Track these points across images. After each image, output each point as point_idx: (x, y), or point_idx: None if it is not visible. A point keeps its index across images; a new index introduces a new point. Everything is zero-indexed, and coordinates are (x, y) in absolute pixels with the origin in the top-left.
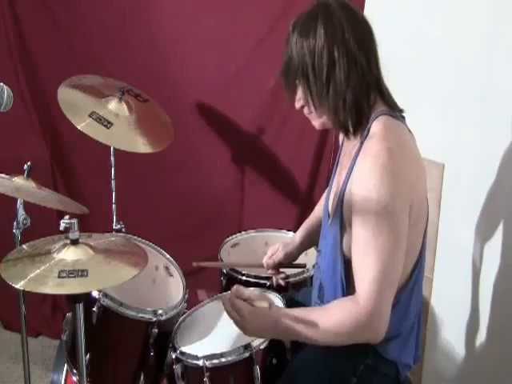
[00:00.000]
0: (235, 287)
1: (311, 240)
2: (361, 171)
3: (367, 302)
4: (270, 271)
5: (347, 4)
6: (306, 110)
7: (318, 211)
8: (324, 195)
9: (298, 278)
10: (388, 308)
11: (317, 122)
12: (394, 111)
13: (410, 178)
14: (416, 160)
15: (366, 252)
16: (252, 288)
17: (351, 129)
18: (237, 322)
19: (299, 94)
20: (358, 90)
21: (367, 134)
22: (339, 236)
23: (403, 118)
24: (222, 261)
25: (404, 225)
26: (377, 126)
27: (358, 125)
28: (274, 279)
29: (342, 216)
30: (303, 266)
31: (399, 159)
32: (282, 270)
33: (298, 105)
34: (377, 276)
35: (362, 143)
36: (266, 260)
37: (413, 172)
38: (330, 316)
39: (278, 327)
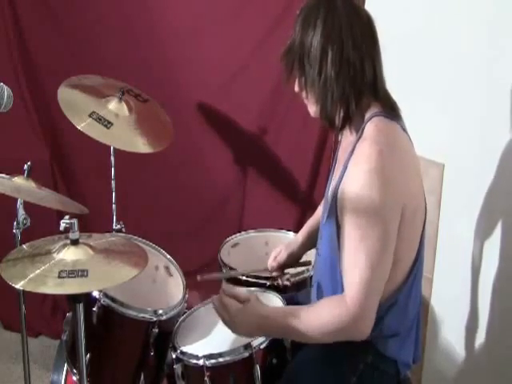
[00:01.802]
0: (224, 286)
1: (313, 239)
2: (352, 174)
3: (354, 303)
4: (274, 273)
5: (352, 1)
6: (303, 95)
7: (319, 212)
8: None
9: (298, 278)
10: (374, 309)
11: (311, 109)
12: (390, 112)
13: (402, 179)
14: (409, 160)
15: (355, 254)
16: (241, 288)
17: (337, 123)
18: (224, 320)
19: (297, 78)
20: (348, 88)
21: (361, 135)
22: (335, 234)
23: (399, 117)
24: (222, 261)
25: (394, 228)
26: (370, 128)
27: (345, 122)
28: (279, 281)
29: (336, 214)
30: (308, 263)
31: (390, 162)
32: (286, 270)
33: (296, 88)
34: (364, 278)
35: (355, 145)
36: (270, 263)
37: (405, 173)
38: (318, 315)
39: (264, 324)
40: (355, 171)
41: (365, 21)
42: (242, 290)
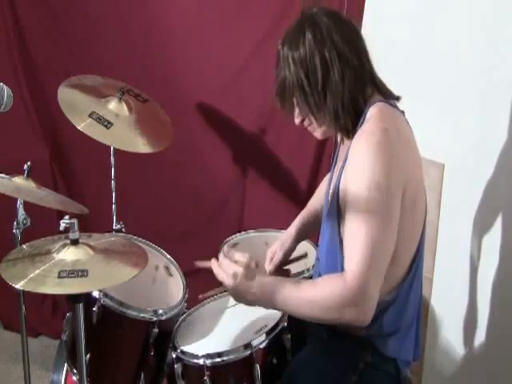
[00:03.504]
0: (226, 248)
1: (306, 230)
2: (356, 149)
3: (353, 279)
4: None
5: (330, 9)
6: (306, 123)
7: (312, 203)
8: (319, 188)
9: (299, 277)
10: (375, 289)
11: (318, 132)
12: (392, 102)
13: (405, 160)
14: (412, 146)
15: (355, 230)
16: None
17: (351, 128)
18: (223, 280)
19: (297, 110)
20: (354, 88)
21: (363, 120)
22: (337, 225)
23: (402, 112)
24: None
25: (396, 206)
26: (373, 111)
27: (357, 122)
28: None
29: (338, 207)
30: (304, 255)
31: (394, 140)
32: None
33: (297, 120)
34: (365, 254)
35: (358, 128)
36: (267, 266)
37: (408, 155)
38: (317, 289)
39: (264, 291)
40: (359, 146)
41: (346, 19)
42: (244, 255)
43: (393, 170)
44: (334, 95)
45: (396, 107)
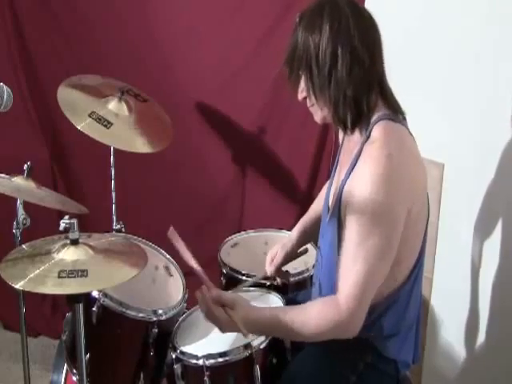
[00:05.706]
0: (213, 292)
1: (308, 235)
2: (360, 177)
3: (347, 304)
4: (275, 279)
5: (354, 1)
6: (308, 102)
7: (314, 207)
8: (322, 192)
9: (298, 278)
10: (365, 310)
11: (318, 115)
12: (395, 114)
13: (410, 182)
14: (416, 162)
15: (354, 256)
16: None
17: (349, 124)
18: (214, 324)
19: (302, 85)
20: (360, 86)
21: (368, 138)
22: (337, 234)
23: (404, 119)
24: (222, 261)
25: (396, 234)
26: (377, 131)
27: (356, 121)
28: (278, 281)
29: (339, 214)
30: (304, 252)
31: (398, 165)
32: (284, 268)
33: (300, 96)
34: (360, 280)
35: (362, 146)
36: (267, 268)
37: (413, 176)
38: (308, 317)
39: (254, 329)
40: (363, 174)
41: (367, 16)
42: (227, 294)
43: (395, 199)
44: (338, 87)
45: (398, 119)
